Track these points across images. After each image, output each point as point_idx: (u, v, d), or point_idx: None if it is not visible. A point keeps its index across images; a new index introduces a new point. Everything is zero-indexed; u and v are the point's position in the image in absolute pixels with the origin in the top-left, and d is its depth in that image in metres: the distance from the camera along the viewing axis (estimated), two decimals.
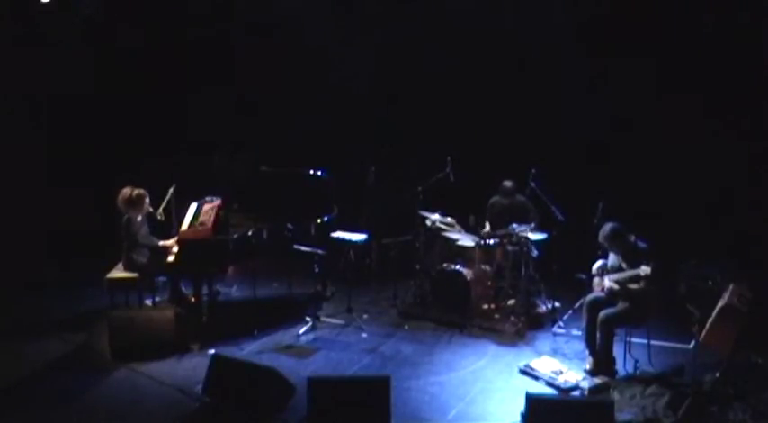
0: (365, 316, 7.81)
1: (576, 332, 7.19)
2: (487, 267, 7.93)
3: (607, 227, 6.41)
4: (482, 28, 9.31)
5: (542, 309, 7.92)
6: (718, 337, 6.05)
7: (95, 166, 9.50)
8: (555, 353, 6.93)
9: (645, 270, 6.05)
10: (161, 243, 7.45)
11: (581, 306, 6.77)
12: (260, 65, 9.88)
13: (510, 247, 7.77)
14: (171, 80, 9.71)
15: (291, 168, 7.98)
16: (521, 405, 5.40)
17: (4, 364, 6.63)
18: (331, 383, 5.71)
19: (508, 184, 8.08)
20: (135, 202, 7.22)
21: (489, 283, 7.93)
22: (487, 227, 8.22)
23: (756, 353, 6.51)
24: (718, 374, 6.09)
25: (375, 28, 9.57)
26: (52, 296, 8.24)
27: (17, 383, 6.32)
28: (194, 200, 7.94)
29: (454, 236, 8.06)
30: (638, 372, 6.46)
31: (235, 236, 7.37)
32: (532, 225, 7.77)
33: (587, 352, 6.60)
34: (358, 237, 8.16)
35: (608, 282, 6.44)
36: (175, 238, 7.39)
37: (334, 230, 8.17)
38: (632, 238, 6.38)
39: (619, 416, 5.53)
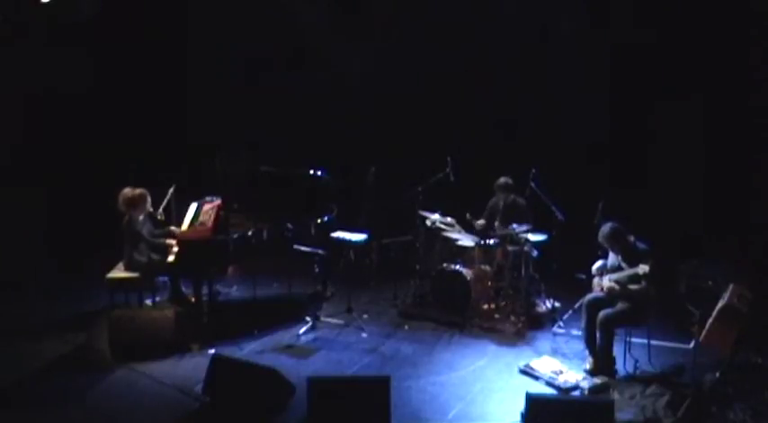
0: (365, 316, 7.81)
1: (575, 332, 7.19)
2: (487, 267, 7.94)
3: (606, 227, 6.41)
4: (482, 28, 9.33)
5: (542, 309, 7.92)
6: (718, 337, 6.05)
7: (95, 166, 9.51)
8: (555, 353, 6.92)
9: (643, 269, 6.05)
10: (167, 241, 7.46)
11: (581, 306, 6.77)
12: (260, 65, 9.91)
13: (510, 247, 7.77)
14: (171, 80, 9.72)
15: (291, 168, 7.98)
16: (521, 405, 5.40)
17: (4, 364, 6.63)
18: (331, 383, 5.70)
19: (503, 179, 8.06)
20: (136, 202, 7.24)
21: (489, 283, 7.93)
22: (482, 221, 8.20)
23: (756, 353, 6.51)
24: (718, 374, 6.09)
25: (375, 28, 9.58)
26: (52, 296, 8.24)
27: (17, 383, 6.31)
28: (194, 200, 7.95)
29: (454, 236, 8.06)
30: (638, 372, 6.46)
31: (235, 236, 7.37)
32: (530, 226, 7.77)
33: (587, 352, 6.60)
34: (358, 237, 8.17)
35: (607, 282, 6.44)
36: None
37: (334, 230, 8.17)
38: (632, 238, 6.38)
39: (619, 416, 5.53)
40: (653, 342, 6.68)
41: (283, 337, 7.28)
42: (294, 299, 8.20)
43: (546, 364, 6.51)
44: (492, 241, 7.86)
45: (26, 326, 7.46)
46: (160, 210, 7.62)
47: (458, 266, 7.79)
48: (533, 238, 7.74)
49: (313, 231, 7.94)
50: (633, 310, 6.33)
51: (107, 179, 8.13)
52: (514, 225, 7.66)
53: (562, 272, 8.07)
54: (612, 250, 6.51)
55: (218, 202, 7.80)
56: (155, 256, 7.40)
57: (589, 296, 6.69)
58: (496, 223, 8.09)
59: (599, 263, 6.70)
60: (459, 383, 6.35)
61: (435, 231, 8.14)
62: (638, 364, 6.51)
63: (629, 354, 6.61)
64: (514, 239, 7.72)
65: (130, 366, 6.55)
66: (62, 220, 9.17)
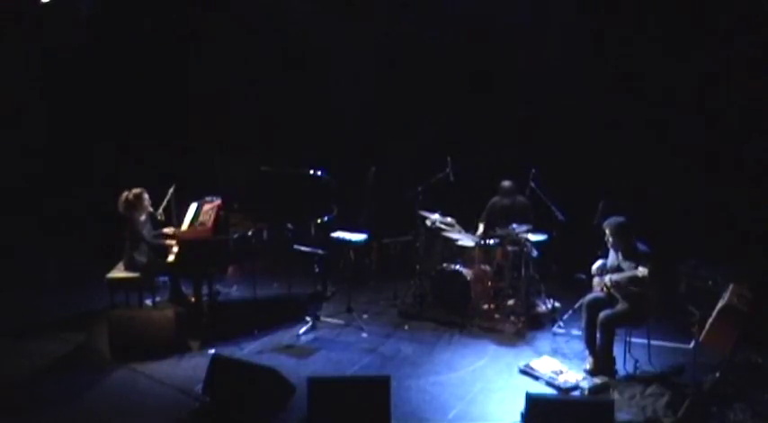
0: (365, 316, 7.81)
1: (575, 332, 7.19)
2: (487, 267, 7.93)
3: (615, 218, 6.39)
4: (481, 28, 9.33)
5: (542, 309, 7.92)
6: (718, 337, 6.05)
7: (96, 166, 9.52)
8: (555, 353, 6.92)
9: (642, 271, 6.05)
10: (167, 242, 7.46)
11: (581, 306, 6.77)
12: (260, 65, 9.91)
13: (510, 247, 7.77)
14: (170, 80, 9.73)
15: (291, 168, 7.98)
16: (521, 405, 5.39)
17: (4, 364, 6.63)
18: (331, 383, 5.69)
19: (507, 183, 8.11)
20: (134, 203, 7.24)
21: (489, 283, 7.93)
22: (480, 228, 8.23)
23: (756, 353, 6.51)
24: (718, 374, 6.09)
25: (376, 28, 9.59)
26: (52, 296, 8.24)
27: (17, 383, 6.31)
28: (194, 200, 7.95)
29: (454, 236, 8.06)
30: (638, 372, 6.45)
31: (235, 236, 7.37)
32: (531, 226, 7.77)
33: (587, 352, 6.60)
34: (358, 237, 8.17)
35: (608, 279, 6.45)
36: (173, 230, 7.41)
37: (334, 230, 8.18)
38: (633, 239, 6.37)
39: (619, 416, 5.52)
40: (653, 342, 6.68)
41: (283, 337, 7.28)
42: (294, 299, 8.20)
43: (546, 364, 6.51)
44: (492, 241, 7.86)
45: (26, 326, 7.47)
46: (160, 210, 7.61)
47: (458, 266, 7.79)
48: (533, 238, 7.74)
49: (313, 231, 7.95)
50: (633, 311, 6.33)
51: (107, 179, 8.14)
52: (514, 225, 7.66)
53: (562, 272, 8.06)
54: (614, 244, 6.46)
55: (218, 202, 7.79)
56: (155, 256, 7.40)
57: (589, 296, 6.69)
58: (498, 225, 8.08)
59: (599, 263, 6.69)
60: (459, 383, 6.35)
61: (435, 231, 8.14)
62: (638, 364, 6.50)
63: (629, 354, 6.60)
64: (514, 239, 7.72)
65: (130, 366, 6.55)
66: (63, 220, 9.18)
